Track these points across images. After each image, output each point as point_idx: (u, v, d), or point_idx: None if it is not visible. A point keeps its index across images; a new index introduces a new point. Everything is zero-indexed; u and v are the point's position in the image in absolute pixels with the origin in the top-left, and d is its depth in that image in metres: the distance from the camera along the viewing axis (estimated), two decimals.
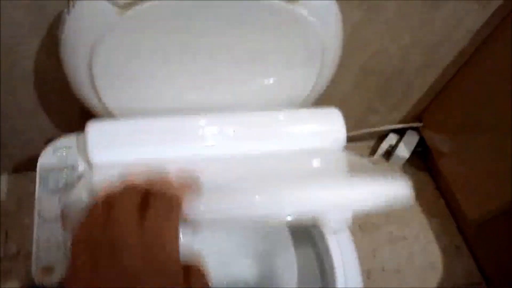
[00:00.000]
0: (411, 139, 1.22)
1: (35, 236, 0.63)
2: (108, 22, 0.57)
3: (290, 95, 0.74)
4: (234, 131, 0.68)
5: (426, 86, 1.07)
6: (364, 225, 1.12)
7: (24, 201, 1.05)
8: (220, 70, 0.67)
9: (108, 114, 0.70)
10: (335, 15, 0.64)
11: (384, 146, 1.23)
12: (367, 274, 1.05)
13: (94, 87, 0.64)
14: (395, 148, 1.21)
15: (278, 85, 0.72)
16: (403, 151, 1.20)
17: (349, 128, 1.15)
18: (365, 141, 1.28)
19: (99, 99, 0.67)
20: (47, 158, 0.69)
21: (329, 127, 0.72)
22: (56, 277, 0.61)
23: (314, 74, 0.69)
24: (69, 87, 0.67)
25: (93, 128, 0.66)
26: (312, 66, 0.68)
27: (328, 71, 0.72)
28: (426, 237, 1.11)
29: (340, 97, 1.04)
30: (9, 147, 1.01)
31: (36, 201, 0.65)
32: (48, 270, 0.61)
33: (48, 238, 0.63)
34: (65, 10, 0.57)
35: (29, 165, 1.01)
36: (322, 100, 0.76)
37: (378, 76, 1.00)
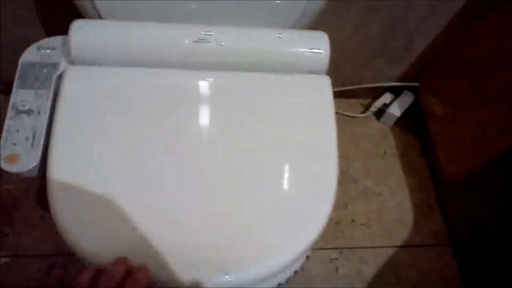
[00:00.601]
0: (406, 99, 1.21)
1: (5, 126, 0.65)
2: None
3: (281, 17, 0.73)
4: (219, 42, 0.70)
5: (428, 40, 1.04)
6: (343, 177, 1.13)
7: None
8: None
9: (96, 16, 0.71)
10: None
11: (378, 104, 1.22)
12: (336, 223, 1.07)
13: None
14: (387, 106, 1.20)
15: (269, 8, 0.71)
16: (395, 110, 1.19)
17: (344, 83, 1.17)
18: (360, 99, 1.27)
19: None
20: (30, 55, 0.72)
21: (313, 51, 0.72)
22: (20, 165, 0.63)
23: None
24: None
25: (78, 26, 0.69)
26: None
27: None
28: (400, 195, 1.13)
29: (340, 44, 1.01)
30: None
31: (12, 94, 0.68)
32: (14, 158, 0.64)
33: (18, 129, 0.66)
34: None
35: None
36: None
37: (381, 21, 0.97)
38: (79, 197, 0.59)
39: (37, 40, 0.73)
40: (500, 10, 0.88)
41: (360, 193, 1.11)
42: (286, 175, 0.64)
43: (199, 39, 0.70)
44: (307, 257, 0.82)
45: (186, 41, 0.69)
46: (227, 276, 0.55)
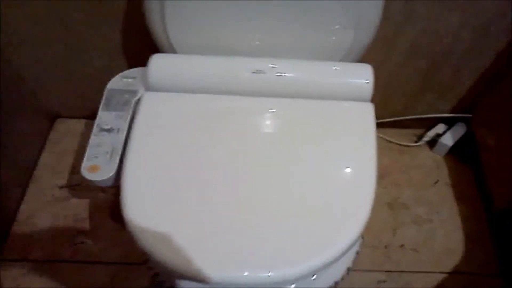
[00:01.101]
0: (459, 129, 1.23)
1: (90, 141, 0.78)
2: None
3: (329, 51, 0.82)
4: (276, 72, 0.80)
5: (477, 73, 1.07)
6: (394, 204, 1.16)
7: None
8: (271, 22, 0.78)
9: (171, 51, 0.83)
10: None
11: (431, 134, 1.25)
12: (385, 247, 1.09)
13: (164, 23, 0.78)
14: (440, 137, 1.23)
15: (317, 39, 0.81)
16: (448, 139, 1.21)
17: (395, 114, 1.21)
18: (412, 129, 1.31)
19: (166, 35, 0.80)
20: (115, 83, 0.86)
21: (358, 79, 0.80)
22: (100, 175, 0.74)
23: (350, 35, 0.78)
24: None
25: (156, 58, 0.81)
26: (348, 27, 0.77)
27: (368, 28, 0.79)
28: (452, 224, 1.13)
29: (387, 79, 1.07)
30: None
31: (98, 114, 0.80)
32: (94, 168, 0.75)
33: (99, 144, 0.77)
34: None
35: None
36: None
37: (427, 57, 1.03)
38: (149, 200, 0.69)
39: (119, 72, 0.86)
40: None
41: (410, 220, 1.13)
42: (329, 180, 0.72)
43: (257, 70, 0.80)
44: (357, 253, 0.86)
45: (248, 71, 0.80)
46: (269, 273, 0.61)
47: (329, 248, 0.65)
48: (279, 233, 0.66)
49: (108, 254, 1.06)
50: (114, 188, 1.12)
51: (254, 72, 0.80)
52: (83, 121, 1.28)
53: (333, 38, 0.80)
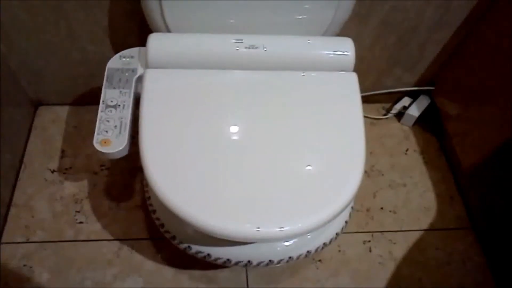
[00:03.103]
0: (423, 101, 1.35)
1: (98, 117, 0.81)
2: None
3: (312, 26, 0.90)
4: (265, 48, 0.87)
5: (439, 46, 1.19)
6: (370, 171, 1.26)
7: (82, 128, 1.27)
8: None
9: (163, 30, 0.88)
10: None
11: (398, 107, 1.36)
12: (367, 211, 1.19)
13: (161, 6, 0.83)
14: (406, 108, 1.34)
15: (304, 18, 0.88)
16: (414, 111, 1.33)
17: (366, 89, 1.31)
18: (380, 103, 1.42)
19: (163, 16, 0.85)
20: (114, 62, 0.90)
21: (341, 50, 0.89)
22: (111, 147, 0.78)
23: (333, 5, 0.85)
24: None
25: (154, 37, 0.86)
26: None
27: (347, 4, 0.87)
28: (424, 186, 1.25)
29: (359, 56, 1.13)
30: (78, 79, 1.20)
31: (102, 92, 0.84)
32: (106, 142, 0.79)
33: (108, 119, 0.81)
34: None
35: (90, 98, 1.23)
36: None
37: (396, 32, 1.12)
38: (169, 164, 0.74)
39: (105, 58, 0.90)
40: (498, 14, 1.03)
41: (387, 185, 1.24)
42: (326, 145, 0.79)
43: (250, 45, 0.86)
44: (346, 222, 0.95)
45: (239, 48, 0.86)
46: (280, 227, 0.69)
47: (332, 205, 0.73)
48: (286, 194, 0.73)
49: (110, 231, 1.09)
50: (106, 170, 1.16)
51: (246, 48, 0.86)
52: (66, 107, 1.30)
53: (316, 15, 0.87)
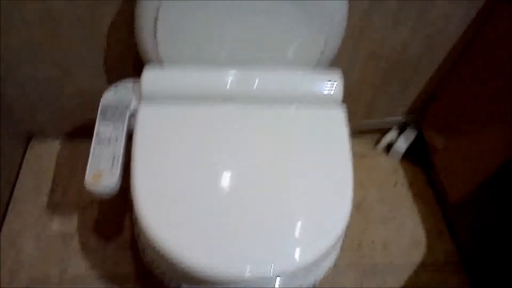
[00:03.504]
0: (410, 134, 1.37)
1: (91, 151, 0.82)
2: None
3: (303, 60, 0.92)
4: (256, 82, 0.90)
5: (424, 80, 1.22)
6: (360, 205, 1.27)
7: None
8: (251, 34, 0.87)
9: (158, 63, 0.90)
10: None
11: (386, 139, 1.39)
12: (358, 245, 1.19)
13: (156, 40, 0.85)
14: (394, 142, 1.37)
15: (295, 49, 0.90)
16: (401, 145, 1.36)
17: (353, 121, 1.32)
18: (369, 135, 1.44)
19: (157, 50, 0.87)
20: (108, 96, 0.91)
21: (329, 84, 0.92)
22: (103, 180, 0.78)
23: (322, 40, 0.88)
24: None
25: (148, 71, 0.88)
26: (320, 33, 0.87)
27: (335, 39, 0.90)
28: (413, 220, 1.26)
29: (349, 88, 1.13)
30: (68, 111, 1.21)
31: (96, 126, 0.85)
32: (98, 175, 0.79)
33: (101, 154, 0.82)
34: None
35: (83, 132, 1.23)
36: None
37: (383, 66, 1.15)
38: (159, 204, 0.74)
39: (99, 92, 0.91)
40: (481, 48, 1.07)
41: (377, 219, 1.25)
42: (313, 182, 0.80)
43: (241, 80, 0.89)
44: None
45: (230, 82, 0.89)
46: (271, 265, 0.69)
47: (322, 242, 0.73)
48: (277, 231, 0.73)
49: (97, 272, 1.07)
50: (96, 205, 1.15)
51: (237, 83, 0.89)
52: (58, 140, 1.30)
53: (306, 50, 0.90)
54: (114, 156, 0.82)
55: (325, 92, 0.90)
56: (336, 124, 0.89)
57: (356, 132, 1.36)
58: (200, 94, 0.88)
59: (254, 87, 0.89)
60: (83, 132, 1.25)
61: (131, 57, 1.05)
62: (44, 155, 1.26)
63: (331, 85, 0.90)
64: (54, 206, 1.16)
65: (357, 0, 0.96)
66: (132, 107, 0.89)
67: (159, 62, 0.89)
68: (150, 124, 0.85)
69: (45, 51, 1.02)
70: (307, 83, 0.91)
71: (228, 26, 0.84)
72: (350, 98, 1.20)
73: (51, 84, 1.11)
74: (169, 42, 0.86)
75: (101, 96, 0.90)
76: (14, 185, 1.19)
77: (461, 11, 1.02)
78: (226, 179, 0.80)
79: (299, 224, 0.75)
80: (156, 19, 0.82)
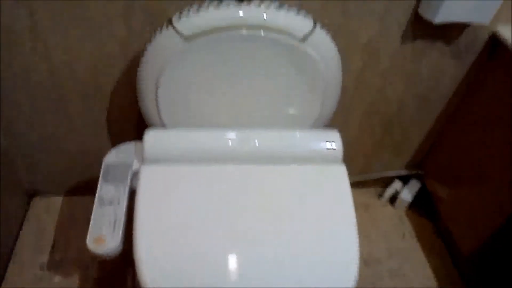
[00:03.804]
0: (414, 185, 1.36)
1: (93, 213, 0.81)
2: (175, 49, 0.78)
3: (301, 120, 0.93)
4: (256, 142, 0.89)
5: (423, 133, 1.23)
6: (368, 259, 1.24)
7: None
8: (250, 96, 0.88)
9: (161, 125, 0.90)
10: (335, 56, 0.84)
11: (390, 191, 1.37)
12: None
13: (157, 105, 0.86)
14: (398, 193, 1.35)
15: (293, 110, 0.91)
16: (406, 196, 1.34)
17: (355, 174, 1.33)
18: (372, 187, 1.43)
19: (159, 114, 0.88)
20: (111, 157, 0.91)
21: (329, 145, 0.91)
22: (105, 246, 0.77)
23: (318, 103, 0.89)
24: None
25: (150, 134, 0.88)
26: (315, 97, 0.88)
27: (332, 101, 0.91)
28: (424, 273, 1.22)
29: (348, 141, 1.15)
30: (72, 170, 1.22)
31: (98, 188, 0.84)
32: (100, 240, 0.78)
33: (103, 216, 0.81)
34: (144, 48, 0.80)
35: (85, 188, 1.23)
36: None
37: (380, 120, 1.17)
38: (164, 262, 0.72)
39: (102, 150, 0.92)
40: (478, 98, 1.07)
41: (386, 274, 1.21)
42: (318, 242, 0.78)
43: (241, 140, 0.89)
44: None
45: (231, 143, 0.89)
46: None
47: None
48: None
49: None
50: (97, 263, 1.13)
51: (238, 143, 0.89)
52: (60, 197, 1.29)
53: (303, 110, 0.91)
54: (115, 219, 0.81)
55: (325, 152, 0.90)
56: (337, 180, 0.88)
57: (358, 184, 1.37)
58: (202, 155, 0.88)
59: (255, 147, 0.89)
60: (86, 189, 1.25)
61: (135, 118, 1.06)
62: (46, 212, 1.25)
63: (330, 145, 0.90)
64: (55, 264, 1.14)
65: (352, 62, 0.98)
66: (134, 168, 0.88)
67: (162, 125, 0.90)
68: (152, 185, 0.84)
69: (49, 111, 1.03)
70: (306, 143, 0.91)
71: (227, 90, 0.86)
72: (349, 152, 1.21)
73: (53, 142, 1.12)
74: (171, 108, 0.87)
75: (103, 155, 0.90)
76: (15, 242, 1.18)
77: (452, 68, 1.05)
78: (230, 240, 0.78)
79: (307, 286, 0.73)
80: (157, 87, 0.83)
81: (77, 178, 1.24)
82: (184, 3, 0.83)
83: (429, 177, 1.33)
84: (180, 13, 0.77)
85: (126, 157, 0.91)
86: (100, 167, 0.88)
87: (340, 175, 0.88)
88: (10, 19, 0.85)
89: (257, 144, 0.89)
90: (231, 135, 0.90)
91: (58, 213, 1.26)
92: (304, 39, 0.79)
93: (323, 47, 0.82)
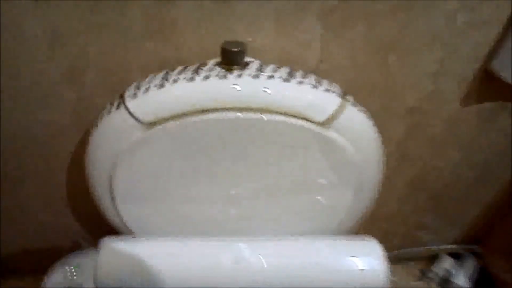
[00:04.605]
0: (469, 264, 1.07)
1: None
2: (131, 138, 0.52)
3: (323, 220, 0.65)
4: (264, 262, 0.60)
5: (482, 204, 1.00)
6: None
7: None
8: (244, 197, 0.60)
9: (126, 229, 0.63)
10: (371, 138, 0.57)
11: (438, 270, 1.09)
12: None
13: (113, 200, 0.59)
14: (452, 275, 1.07)
15: (308, 210, 0.63)
16: (462, 281, 1.05)
17: (394, 246, 1.06)
18: (413, 261, 1.14)
19: (118, 214, 0.61)
20: (55, 277, 0.64)
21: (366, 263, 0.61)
22: None
23: (349, 197, 0.60)
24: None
25: (106, 251, 0.60)
26: (345, 189, 0.60)
27: (367, 195, 0.63)
28: None
29: (385, 214, 0.97)
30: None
31: None
32: None
33: None
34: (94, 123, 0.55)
35: None
36: None
37: (428, 193, 0.94)
38: None
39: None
40: None
41: None
42: None
43: (238, 258, 0.60)
44: None
45: (224, 262, 0.60)
46: None
47: None
48: None
49: None
50: None
51: (234, 262, 0.60)
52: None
53: (328, 200, 0.62)
54: None
55: (363, 274, 0.61)
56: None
57: (395, 259, 1.09)
58: (183, 279, 0.60)
59: (261, 269, 0.60)
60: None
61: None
62: None
63: (369, 264, 0.61)
64: None
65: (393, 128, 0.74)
66: None
67: (128, 232, 0.63)
68: None
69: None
70: (334, 260, 0.61)
71: (214, 185, 0.60)
72: (390, 225, 1.02)
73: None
74: (135, 210, 0.61)
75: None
76: None
77: None
78: None
79: None
80: (110, 183, 0.57)
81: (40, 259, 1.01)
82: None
83: (489, 254, 1.06)
84: (137, 86, 0.51)
85: (74, 275, 0.65)
86: None
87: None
88: None
89: (264, 264, 0.60)
90: (227, 248, 0.61)
91: None
92: (327, 122, 0.51)
93: (354, 129, 0.54)
